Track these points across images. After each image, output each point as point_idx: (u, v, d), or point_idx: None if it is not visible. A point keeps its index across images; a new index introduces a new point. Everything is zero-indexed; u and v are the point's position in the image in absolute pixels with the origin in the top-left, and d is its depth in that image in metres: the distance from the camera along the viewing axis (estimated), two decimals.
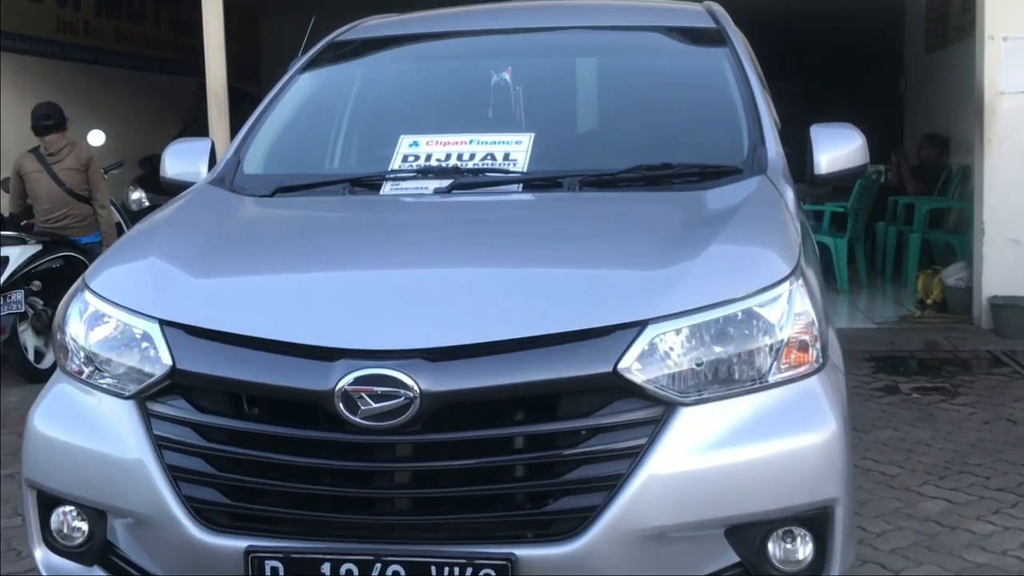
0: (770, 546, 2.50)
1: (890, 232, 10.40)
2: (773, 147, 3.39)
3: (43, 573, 2.74)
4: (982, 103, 7.81)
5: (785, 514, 2.47)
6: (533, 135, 3.42)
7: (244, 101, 9.61)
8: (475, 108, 3.76)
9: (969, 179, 8.55)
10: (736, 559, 2.49)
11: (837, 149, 3.47)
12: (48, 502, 2.72)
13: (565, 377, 2.39)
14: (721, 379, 2.48)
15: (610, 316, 2.44)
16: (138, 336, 2.59)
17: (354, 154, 3.79)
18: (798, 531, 2.51)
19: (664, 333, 2.44)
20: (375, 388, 2.34)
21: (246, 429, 2.45)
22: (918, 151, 11.04)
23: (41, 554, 2.75)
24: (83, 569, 2.70)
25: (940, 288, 8.54)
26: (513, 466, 2.39)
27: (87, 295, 2.75)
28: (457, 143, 3.42)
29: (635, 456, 2.38)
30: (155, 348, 2.55)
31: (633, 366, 2.40)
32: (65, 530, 2.72)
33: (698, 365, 2.46)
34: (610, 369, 2.38)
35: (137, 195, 9.19)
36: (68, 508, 2.70)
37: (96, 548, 2.68)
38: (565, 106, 3.78)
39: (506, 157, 3.34)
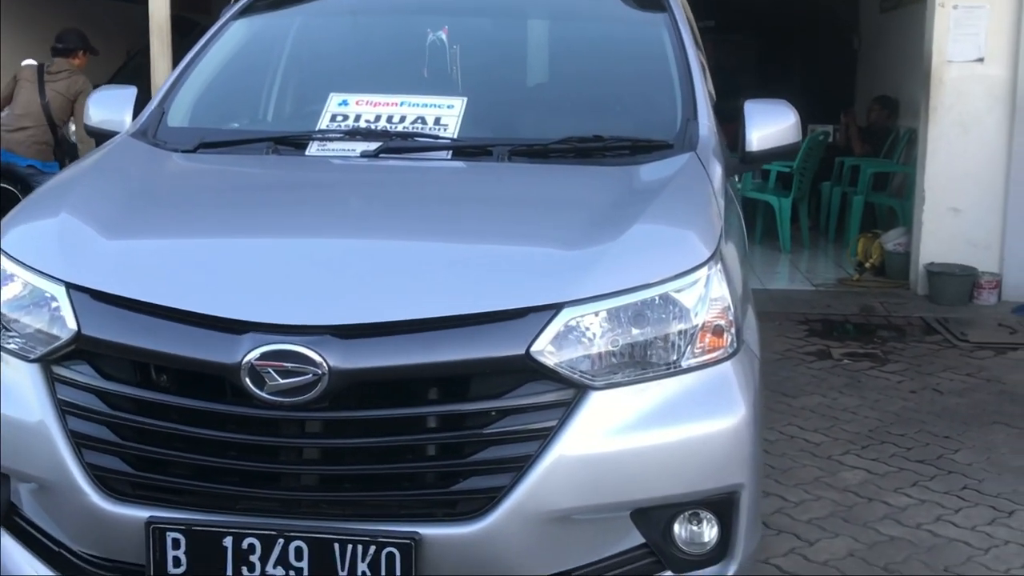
0: (676, 528, 2.53)
1: (835, 193, 10.45)
2: (705, 123, 3.37)
3: None
4: (929, 70, 7.82)
5: (691, 498, 2.49)
6: (466, 100, 3.37)
7: (192, 33, 9.40)
8: (410, 67, 3.70)
9: (915, 143, 8.58)
10: (641, 540, 2.50)
11: (770, 126, 3.45)
12: None
13: (477, 358, 2.38)
14: (634, 363, 2.48)
15: (525, 298, 2.43)
16: (45, 298, 2.54)
17: (283, 110, 3.72)
18: (704, 514, 2.53)
19: (579, 316, 2.44)
20: (283, 364, 2.32)
21: (151, 399, 2.42)
22: (867, 113, 11.07)
23: None
24: None
25: (879, 252, 8.61)
26: (421, 445, 2.38)
27: (26, 270, 2.67)
28: (388, 104, 3.36)
29: (544, 438, 2.38)
30: (61, 312, 2.49)
31: (546, 349, 2.39)
32: None
33: (611, 349, 2.46)
34: (523, 352, 2.37)
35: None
36: None
37: (0, 510, 2.64)
38: (500, 70, 3.73)
39: (437, 122, 3.29)
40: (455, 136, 3.24)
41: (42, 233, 2.72)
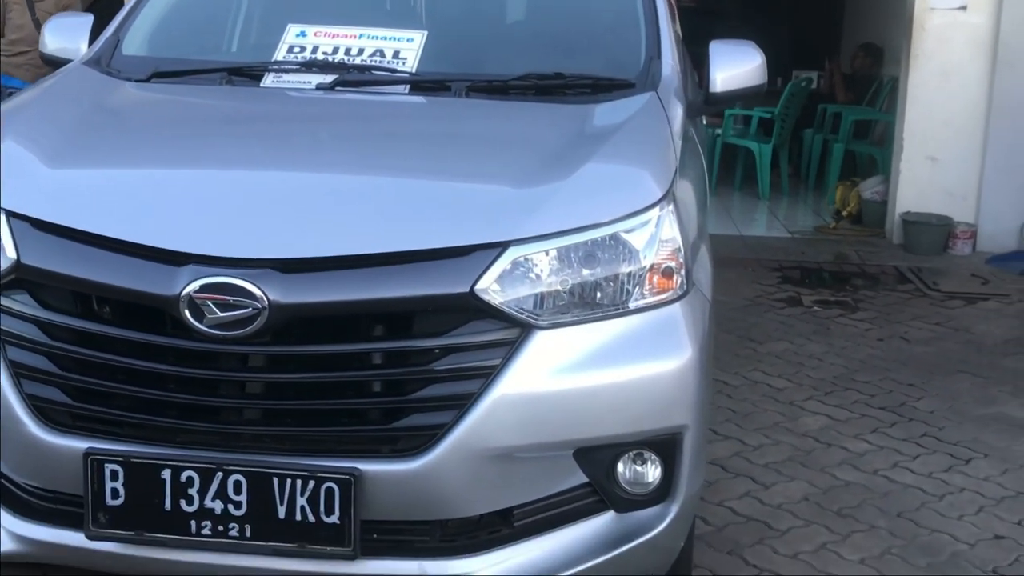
0: (619, 468, 2.52)
1: (816, 140, 10.41)
2: (669, 62, 3.32)
3: None
4: (912, 17, 7.75)
5: (635, 438, 2.48)
6: (426, 33, 3.31)
7: None
8: None
9: (897, 92, 8.53)
10: (584, 479, 2.50)
11: (735, 67, 3.41)
12: None
13: (420, 296, 2.35)
14: (580, 304, 2.46)
15: (471, 236, 2.40)
16: None
17: (240, 41, 3.65)
18: (647, 455, 2.52)
19: (525, 255, 2.41)
20: (222, 297, 2.29)
21: (91, 330, 2.39)
22: (852, 59, 11.00)
23: None
24: None
25: (857, 200, 8.59)
26: (362, 382, 2.36)
27: None
28: (346, 36, 3.30)
29: (487, 376, 2.36)
30: (1, 240, 2.45)
31: (491, 287, 2.36)
32: None
33: (557, 289, 2.43)
34: (467, 290, 2.35)
35: None
36: None
37: None
38: (463, 5, 3.67)
39: (396, 55, 3.24)
40: (413, 70, 3.19)
41: None
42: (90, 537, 2.40)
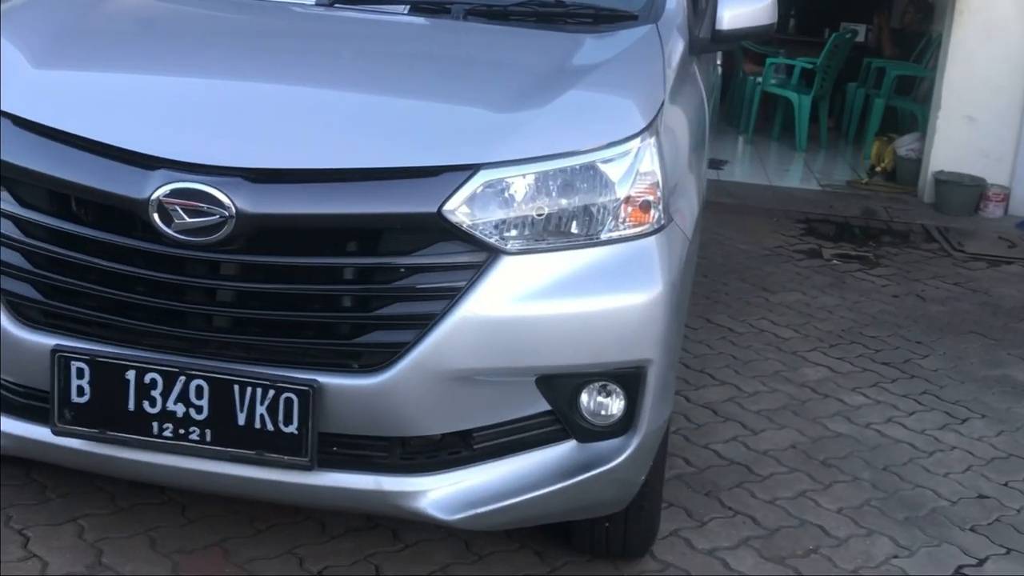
0: (583, 398, 2.52)
1: (859, 94, 10.23)
2: None
3: None
4: None
5: (597, 369, 2.47)
6: None
7: None
8: None
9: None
10: (547, 407, 2.50)
11: (743, 5, 3.35)
12: None
13: (387, 213, 2.35)
14: (550, 231, 2.45)
15: (441, 156, 2.39)
16: None
17: None
18: (611, 387, 2.52)
19: (496, 179, 2.39)
20: (190, 202, 2.30)
21: (63, 229, 2.41)
22: (902, 14, 10.78)
23: None
24: None
25: (892, 157, 8.46)
26: (326, 296, 2.37)
27: None
28: None
29: (451, 298, 2.36)
30: None
31: (459, 209, 2.36)
32: None
33: (528, 215, 2.42)
34: (435, 210, 2.34)
35: None
36: None
37: None
38: None
39: None
40: None
41: None
42: (55, 433, 2.45)
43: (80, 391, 2.41)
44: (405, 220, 2.36)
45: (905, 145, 8.34)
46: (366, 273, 2.38)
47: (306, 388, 2.34)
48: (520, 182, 2.43)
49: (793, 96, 9.75)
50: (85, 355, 2.39)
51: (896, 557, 3.22)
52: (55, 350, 2.40)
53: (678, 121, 2.88)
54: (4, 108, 2.49)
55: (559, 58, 2.83)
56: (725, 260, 6.12)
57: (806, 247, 6.56)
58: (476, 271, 2.38)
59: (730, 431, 3.94)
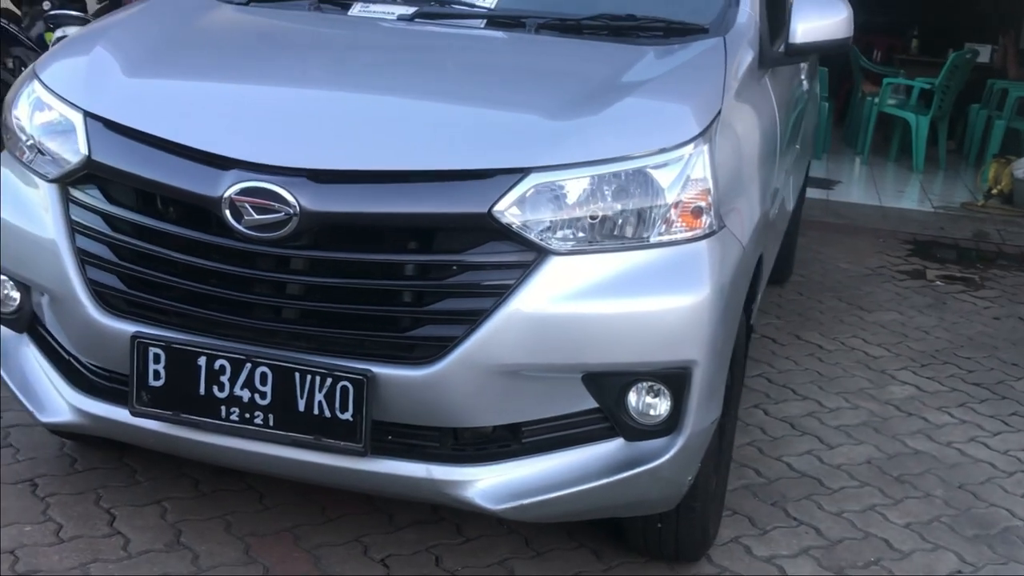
0: (631, 397, 2.59)
1: (980, 116, 10.01)
2: (747, 10, 3.32)
3: None
4: None
5: (641, 368, 2.54)
6: None
7: None
8: None
9: None
10: (595, 405, 2.58)
11: (819, 18, 3.39)
12: None
13: (441, 212, 2.47)
14: (599, 234, 2.53)
15: (493, 159, 2.50)
16: (68, 125, 2.74)
17: None
18: (658, 387, 2.59)
19: (545, 183, 2.49)
20: (259, 200, 2.46)
21: (146, 224, 2.60)
22: None
23: None
24: (16, 336, 2.93)
25: (1009, 179, 8.26)
26: (382, 290, 2.50)
27: (35, 83, 2.89)
28: None
29: (500, 295, 2.47)
30: (77, 138, 2.69)
31: (509, 211, 2.46)
32: (2, 298, 2.93)
33: (576, 217, 2.51)
34: (485, 211, 2.45)
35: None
36: (4, 278, 2.91)
37: (25, 318, 2.89)
38: None
39: None
40: (491, 6, 3.30)
41: (74, 66, 2.91)
42: (134, 414, 2.63)
43: (156, 375, 2.59)
44: (457, 220, 2.48)
45: (1023, 167, 8.14)
46: (419, 270, 2.50)
47: (361, 377, 2.47)
48: (570, 185, 2.52)
49: (911, 116, 9.60)
50: (161, 342, 2.57)
51: (959, 572, 3.19)
52: (135, 336, 2.58)
53: (739, 131, 2.93)
54: (96, 111, 2.70)
55: (621, 69, 2.92)
56: (823, 278, 6.08)
57: (909, 268, 6.47)
58: (525, 270, 2.48)
59: (806, 444, 3.94)
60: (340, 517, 3.19)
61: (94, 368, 2.77)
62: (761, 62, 3.31)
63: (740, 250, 2.76)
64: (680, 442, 2.60)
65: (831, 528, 3.37)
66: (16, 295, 2.90)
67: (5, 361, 2.92)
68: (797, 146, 4.50)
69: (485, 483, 2.58)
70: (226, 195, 2.48)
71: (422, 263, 2.50)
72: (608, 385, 2.57)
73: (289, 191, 2.46)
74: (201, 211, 2.55)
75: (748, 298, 3.14)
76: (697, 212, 2.62)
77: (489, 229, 2.47)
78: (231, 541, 3.04)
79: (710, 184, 2.63)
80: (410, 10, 3.26)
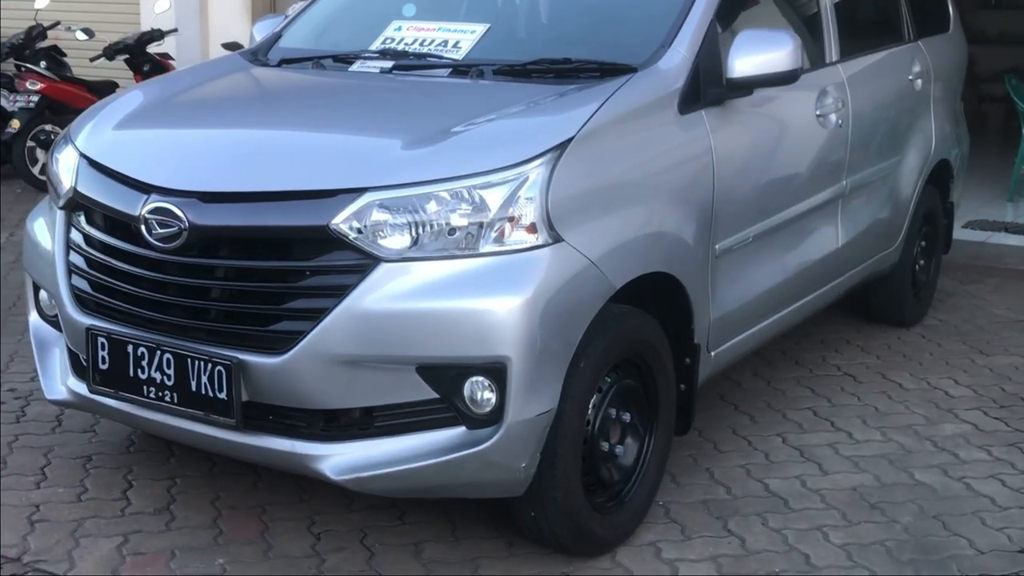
0: (465, 388, 2.96)
1: None
2: (681, 51, 3.56)
3: (32, 330, 3.75)
4: None
5: (464, 362, 2.91)
6: (489, 25, 3.86)
7: None
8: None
9: None
10: (435, 395, 2.96)
11: (759, 53, 3.58)
12: (36, 283, 3.72)
13: (293, 225, 2.99)
14: (430, 243, 2.93)
15: (335, 181, 2.99)
16: (71, 164, 3.49)
17: (365, 35, 4.34)
18: (485, 380, 2.93)
19: (378, 200, 2.93)
20: (162, 217, 3.07)
21: (101, 239, 3.29)
22: None
23: (33, 318, 3.75)
24: (55, 331, 3.68)
25: None
26: (251, 291, 3.03)
27: (69, 145, 3.62)
28: (428, 29, 3.94)
29: (340, 296, 2.92)
30: (72, 173, 3.43)
31: (345, 224, 2.92)
32: (43, 303, 3.70)
33: (404, 230, 2.92)
34: (325, 224, 2.93)
35: None
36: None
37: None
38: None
39: (455, 44, 3.81)
40: (460, 58, 3.75)
41: (91, 122, 3.66)
42: (91, 392, 3.30)
43: (103, 360, 3.24)
44: (304, 232, 2.98)
45: None
46: (278, 273, 3.02)
47: (231, 363, 3.00)
48: (402, 203, 2.94)
49: None
50: (103, 332, 3.22)
51: None
52: (88, 328, 3.25)
53: (611, 159, 3.20)
54: (86, 153, 3.44)
55: (511, 103, 3.30)
56: (961, 324, 5.86)
57: None
58: (361, 275, 2.93)
59: (799, 470, 3.98)
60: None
61: (75, 354, 3.46)
62: (693, 98, 3.53)
63: (584, 264, 3.03)
64: (501, 430, 2.92)
65: (757, 541, 3.47)
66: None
67: (39, 353, 3.67)
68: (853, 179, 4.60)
69: (336, 459, 3.02)
70: (141, 213, 3.10)
71: (280, 268, 3.01)
72: (442, 377, 2.94)
73: (181, 210, 3.05)
74: (129, 227, 3.18)
75: (685, 316, 3.40)
76: (531, 227, 2.95)
77: (330, 240, 2.94)
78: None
79: (545, 201, 2.96)
80: (389, 64, 3.79)
